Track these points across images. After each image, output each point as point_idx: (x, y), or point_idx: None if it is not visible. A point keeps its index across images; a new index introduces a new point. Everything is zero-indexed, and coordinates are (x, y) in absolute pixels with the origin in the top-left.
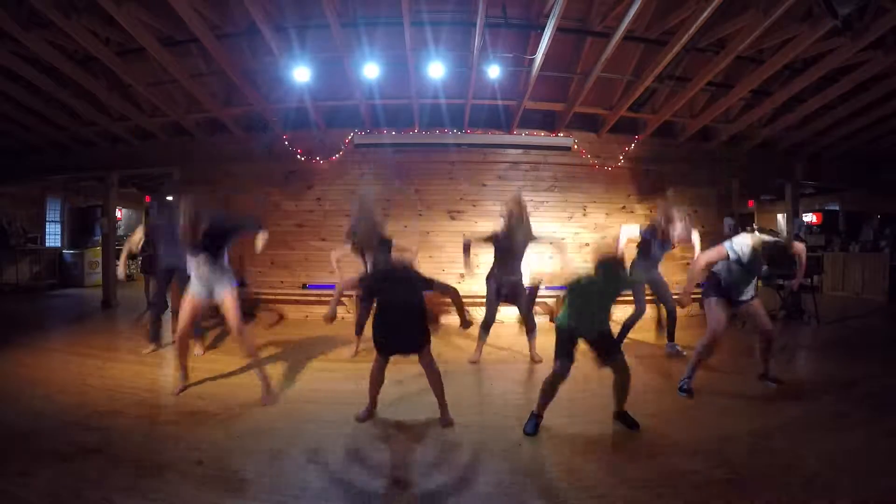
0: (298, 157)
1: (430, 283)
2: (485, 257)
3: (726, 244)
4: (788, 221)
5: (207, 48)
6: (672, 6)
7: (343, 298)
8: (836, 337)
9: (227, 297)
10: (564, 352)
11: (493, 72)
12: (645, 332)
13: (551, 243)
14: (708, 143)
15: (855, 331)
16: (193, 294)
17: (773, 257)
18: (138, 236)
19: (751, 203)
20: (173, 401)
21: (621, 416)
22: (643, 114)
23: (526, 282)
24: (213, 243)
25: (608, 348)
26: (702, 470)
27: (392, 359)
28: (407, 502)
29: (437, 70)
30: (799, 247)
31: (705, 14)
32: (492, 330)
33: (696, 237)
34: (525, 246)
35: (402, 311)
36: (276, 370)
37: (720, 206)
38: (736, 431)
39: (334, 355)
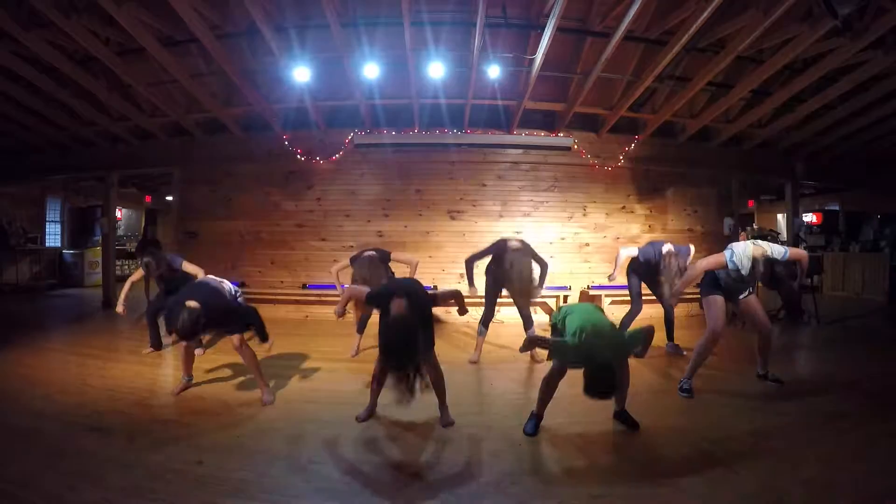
0: (298, 157)
1: (434, 300)
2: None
3: (727, 254)
4: (788, 221)
5: (207, 48)
6: (672, 6)
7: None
8: (836, 337)
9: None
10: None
11: (493, 72)
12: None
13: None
14: (708, 143)
15: (855, 331)
16: None
17: (770, 276)
18: (138, 276)
19: (751, 203)
20: (173, 401)
21: (621, 416)
22: (643, 114)
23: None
24: (215, 324)
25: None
26: (702, 470)
27: None
28: (407, 502)
29: (437, 70)
30: (800, 253)
31: (705, 14)
32: (491, 329)
33: (691, 246)
34: (527, 256)
35: (407, 327)
36: (276, 370)
37: (720, 206)
38: (736, 431)
39: (334, 355)
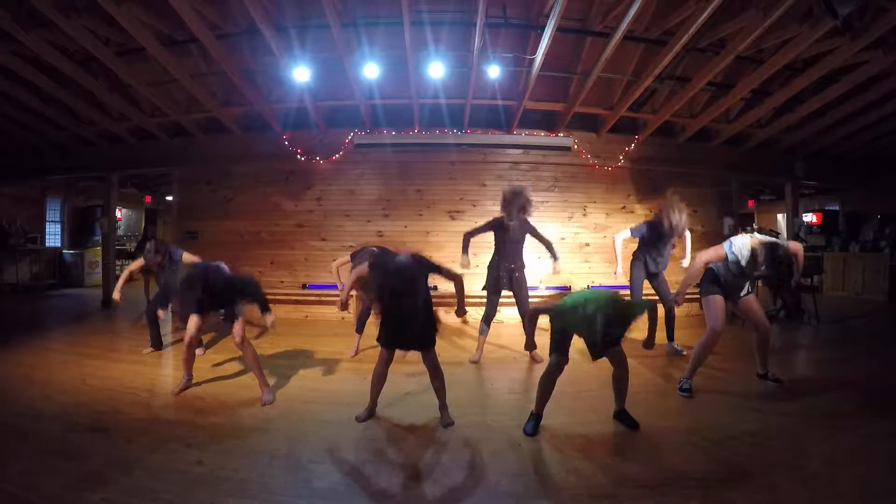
0: (298, 157)
1: (438, 268)
2: (485, 257)
3: (725, 245)
4: (788, 221)
5: (207, 48)
6: (672, 6)
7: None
8: (836, 337)
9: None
10: (560, 346)
11: (493, 72)
12: (645, 331)
13: (546, 245)
14: (708, 143)
15: (855, 331)
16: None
17: (772, 259)
18: (138, 265)
19: (751, 203)
20: (173, 401)
21: (621, 416)
22: (643, 114)
23: (528, 275)
24: (213, 304)
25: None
26: (702, 470)
27: (393, 360)
28: (407, 502)
29: (437, 70)
30: (796, 246)
31: (705, 14)
32: (492, 329)
33: (687, 233)
34: (524, 233)
35: (410, 302)
36: (276, 370)
37: (720, 206)
38: (736, 431)
39: (334, 355)
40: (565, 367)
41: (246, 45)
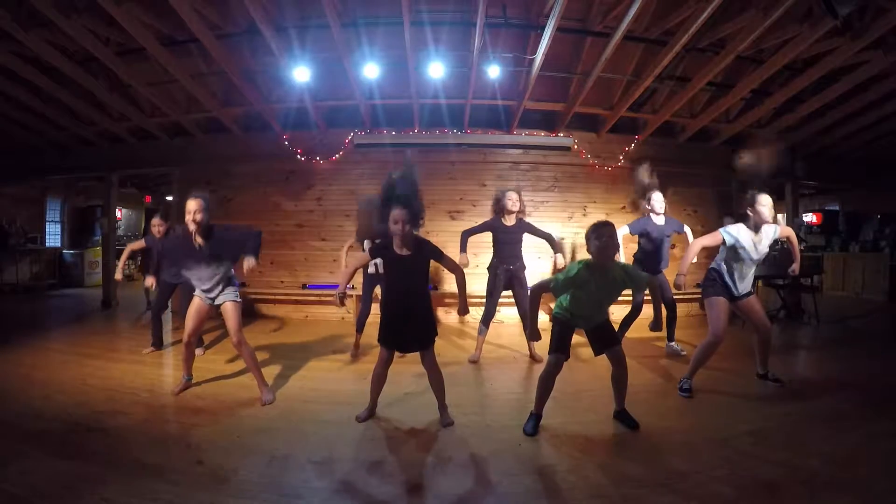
0: (298, 157)
1: (440, 254)
2: (485, 257)
3: (721, 230)
4: (788, 221)
5: (207, 48)
6: (672, 6)
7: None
8: (836, 337)
9: (230, 307)
10: (560, 345)
11: (493, 72)
12: (645, 331)
13: (547, 239)
14: (708, 143)
15: (855, 331)
16: (199, 301)
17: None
18: (140, 245)
19: None
20: (173, 401)
21: (621, 416)
22: (643, 114)
23: (528, 272)
24: (215, 256)
25: (606, 338)
26: (702, 470)
27: (392, 361)
28: (407, 503)
29: (437, 70)
30: (788, 230)
31: (705, 14)
32: (492, 329)
33: (687, 228)
34: (521, 232)
35: (411, 294)
36: (276, 370)
37: (720, 206)
38: (736, 431)
39: (334, 355)
40: (564, 365)
41: (246, 45)
